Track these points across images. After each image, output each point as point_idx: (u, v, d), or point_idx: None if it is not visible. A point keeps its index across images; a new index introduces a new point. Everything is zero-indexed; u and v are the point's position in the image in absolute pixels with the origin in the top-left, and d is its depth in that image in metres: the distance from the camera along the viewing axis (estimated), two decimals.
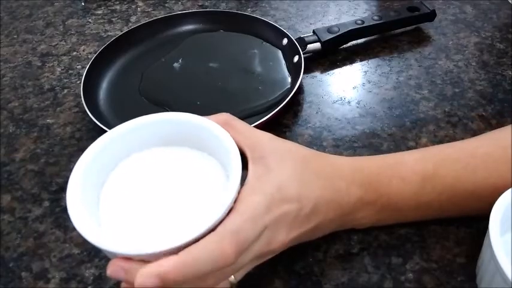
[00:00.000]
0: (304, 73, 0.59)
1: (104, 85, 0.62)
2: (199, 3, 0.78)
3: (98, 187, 0.38)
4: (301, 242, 0.40)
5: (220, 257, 0.32)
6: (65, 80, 0.65)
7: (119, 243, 0.32)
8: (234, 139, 0.38)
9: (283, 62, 0.64)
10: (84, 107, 0.55)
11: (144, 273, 0.31)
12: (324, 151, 0.52)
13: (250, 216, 0.34)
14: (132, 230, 0.36)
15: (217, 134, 0.38)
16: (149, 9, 0.77)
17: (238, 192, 0.35)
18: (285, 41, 0.65)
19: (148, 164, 0.40)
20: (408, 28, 0.70)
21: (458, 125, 0.55)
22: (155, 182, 0.39)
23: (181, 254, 0.32)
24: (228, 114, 0.41)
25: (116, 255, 0.33)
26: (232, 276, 0.36)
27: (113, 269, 0.33)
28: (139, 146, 0.41)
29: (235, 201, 0.35)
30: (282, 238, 0.37)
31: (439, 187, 0.41)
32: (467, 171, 0.41)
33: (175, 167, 0.40)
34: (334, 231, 0.44)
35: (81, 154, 0.53)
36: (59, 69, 0.67)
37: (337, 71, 0.64)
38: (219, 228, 0.33)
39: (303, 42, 0.64)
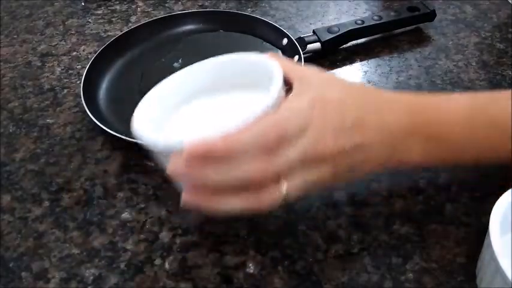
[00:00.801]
0: None
1: (104, 85, 0.62)
2: (199, 3, 0.78)
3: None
4: (348, 175, 0.40)
5: (262, 136, 0.34)
6: (65, 80, 0.65)
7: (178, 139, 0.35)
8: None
9: None
10: (84, 107, 0.55)
11: (193, 142, 0.33)
12: None
13: (292, 108, 0.36)
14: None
15: (263, 61, 0.40)
16: (149, 9, 0.77)
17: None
18: (285, 41, 0.65)
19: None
20: (408, 28, 0.70)
21: None
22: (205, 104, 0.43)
23: (225, 134, 0.34)
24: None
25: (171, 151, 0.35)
26: (285, 188, 0.36)
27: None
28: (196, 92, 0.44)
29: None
30: (329, 143, 0.37)
31: (489, 120, 0.40)
32: None
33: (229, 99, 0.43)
34: (335, 231, 0.44)
35: (81, 154, 0.54)
36: (59, 69, 0.67)
37: (337, 71, 0.64)
38: (261, 117, 0.35)
39: (303, 42, 0.64)
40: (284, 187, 0.36)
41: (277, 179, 0.36)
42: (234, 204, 0.36)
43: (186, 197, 0.36)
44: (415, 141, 0.40)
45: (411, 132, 0.40)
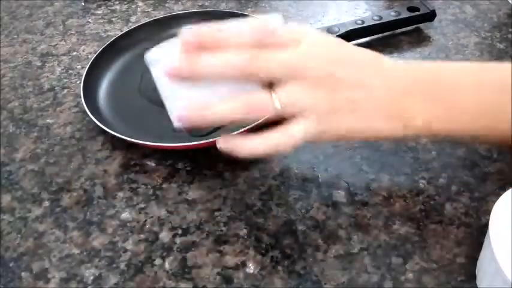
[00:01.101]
0: None
1: (104, 85, 0.62)
2: (199, 3, 0.78)
3: None
4: (350, 119, 0.39)
5: (251, 28, 0.37)
6: (65, 80, 0.65)
7: None
8: None
9: None
10: (84, 107, 0.55)
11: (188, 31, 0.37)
12: (323, 150, 0.52)
13: (286, 26, 0.38)
14: None
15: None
16: (149, 9, 0.77)
17: None
18: None
19: None
20: (408, 28, 0.70)
21: None
22: None
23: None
24: None
25: None
26: (277, 101, 0.37)
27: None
28: None
29: None
30: (322, 64, 0.37)
31: (498, 78, 0.40)
32: None
33: None
34: (335, 231, 0.44)
35: (81, 154, 0.54)
36: (59, 69, 0.67)
37: None
38: None
39: None
40: (276, 98, 0.37)
41: (268, 86, 0.37)
42: (225, 109, 0.37)
43: (182, 111, 0.38)
44: (416, 100, 0.39)
45: (412, 90, 0.39)
